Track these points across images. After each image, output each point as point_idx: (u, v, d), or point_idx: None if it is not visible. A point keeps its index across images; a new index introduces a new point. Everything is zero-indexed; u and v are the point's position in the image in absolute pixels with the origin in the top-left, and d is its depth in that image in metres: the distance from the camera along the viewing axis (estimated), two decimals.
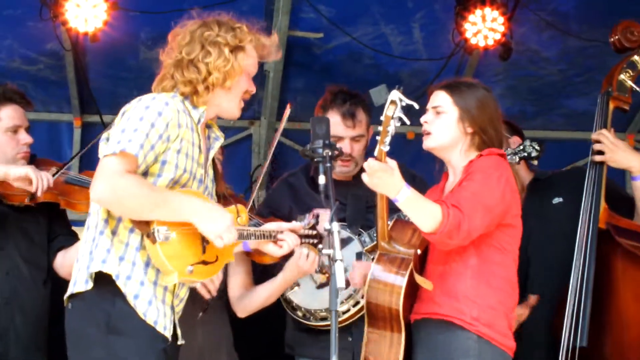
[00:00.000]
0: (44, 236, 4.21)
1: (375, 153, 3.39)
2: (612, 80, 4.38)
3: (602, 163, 4.26)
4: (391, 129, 3.36)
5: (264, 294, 4.21)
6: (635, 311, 4.03)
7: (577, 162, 6.14)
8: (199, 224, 3.17)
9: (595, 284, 4.06)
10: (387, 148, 3.38)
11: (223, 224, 3.19)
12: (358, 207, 4.40)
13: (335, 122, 4.36)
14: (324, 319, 4.23)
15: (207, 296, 3.99)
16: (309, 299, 4.23)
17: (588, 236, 4.13)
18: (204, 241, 3.22)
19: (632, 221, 4.23)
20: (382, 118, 3.35)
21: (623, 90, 4.39)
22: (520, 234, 3.72)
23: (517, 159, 4.29)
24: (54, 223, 4.23)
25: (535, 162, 4.33)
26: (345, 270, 4.11)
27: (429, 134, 3.70)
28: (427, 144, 3.72)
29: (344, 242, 4.21)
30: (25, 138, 4.18)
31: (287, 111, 3.94)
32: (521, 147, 4.30)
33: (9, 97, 4.19)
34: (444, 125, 3.68)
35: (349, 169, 4.42)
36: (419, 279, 3.59)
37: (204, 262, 3.22)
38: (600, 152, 4.27)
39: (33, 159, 4.26)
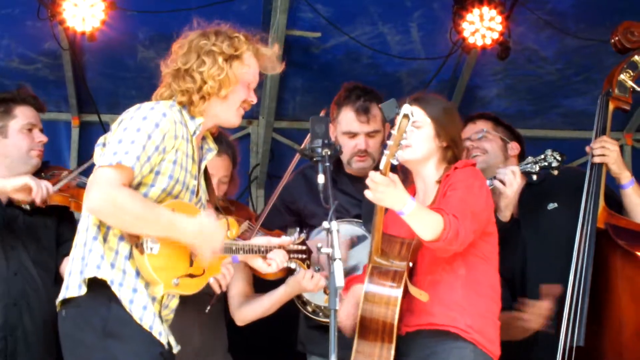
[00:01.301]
0: (53, 239, 4.24)
1: (382, 166, 3.36)
2: (612, 81, 4.39)
3: (602, 164, 4.26)
4: (405, 142, 3.36)
5: (265, 305, 4.23)
6: (632, 311, 4.03)
7: (575, 162, 6.15)
8: (190, 244, 3.20)
9: (593, 283, 4.06)
10: (396, 162, 3.38)
11: (212, 247, 3.23)
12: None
13: (350, 118, 4.38)
14: None
15: (217, 290, 3.99)
16: (319, 295, 4.24)
17: (587, 236, 4.13)
18: (192, 254, 3.24)
19: (631, 220, 4.23)
20: (393, 132, 3.34)
21: (623, 90, 4.40)
22: (497, 240, 3.79)
23: (538, 168, 4.28)
24: (62, 227, 4.27)
25: (556, 172, 4.31)
26: (357, 268, 4.14)
27: (408, 146, 3.69)
28: (406, 156, 3.70)
29: (358, 240, 4.23)
30: (40, 137, 4.30)
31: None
32: (542, 157, 4.28)
33: (24, 99, 4.32)
34: (422, 139, 3.75)
35: (365, 165, 4.41)
36: (414, 290, 3.60)
37: (191, 275, 3.25)
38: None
39: (45, 165, 4.30)
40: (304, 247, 3.62)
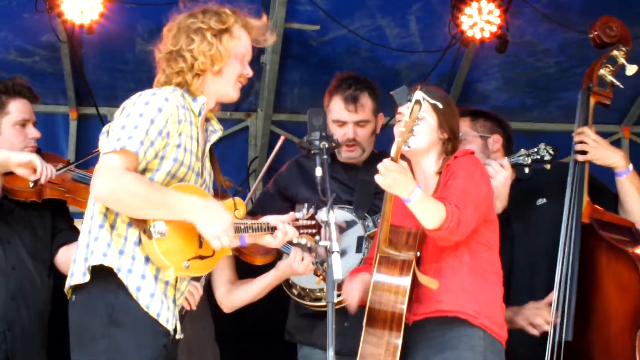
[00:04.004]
0: (48, 231, 4.24)
1: (393, 153, 3.36)
2: (592, 76, 4.40)
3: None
4: (416, 129, 3.36)
5: (255, 290, 4.23)
6: (619, 305, 4.04)
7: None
8: (198, 225, 3.17)
9: (579, 278, 4.07)
10: (407, 148, 3.38)
11: (221, 225, 3.19)
12: (366, 192, 4.40)
13: (339, 107, 4.40)
14: (318, 299, 4.26)
15: (187, 307, 4.00)
16: (305, 278, 4.25)
17: (571, 231, 4.14)
18: (201, 236, 3.22)
19: (615, 215, 4.24)
20: (406, 119, 3.34)
21: (603, 85, 4.40)
22: (498, 227, 3.81)
23: (529, 161, 4.27)
24: (57, 218, 4.27)
25: (548, 166, 4.30)
26: (345, 253, 4.15)
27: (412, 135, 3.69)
28: (410, 145, 3.68)
29: (348, 225, 4.23)
30: (33, 132, 4.23)
31: (280, 141, 4.15)
32: (535, 150, 4.27)
33: (18, 91, 4.23)
34: (425, 130, 3.72)
35: (353, 155, 4.43)
36: (423, 279, 3.61)
37: (201, 257, 3.23)
38: (583, 152, 4.28)
39: (37, 153, 4.27)
40: (313, 222, 3.60)
